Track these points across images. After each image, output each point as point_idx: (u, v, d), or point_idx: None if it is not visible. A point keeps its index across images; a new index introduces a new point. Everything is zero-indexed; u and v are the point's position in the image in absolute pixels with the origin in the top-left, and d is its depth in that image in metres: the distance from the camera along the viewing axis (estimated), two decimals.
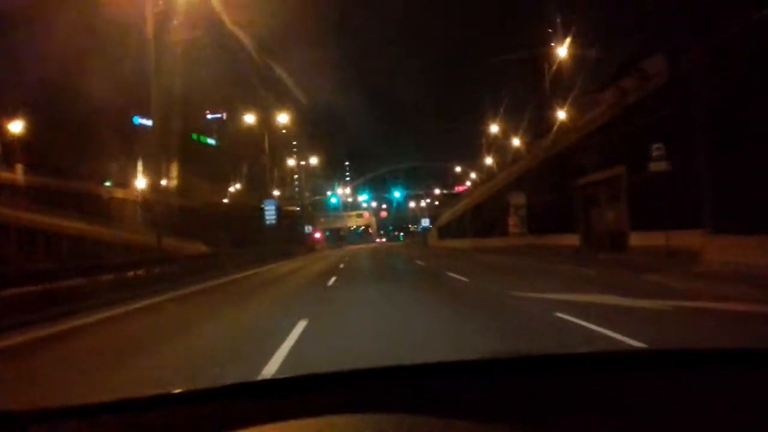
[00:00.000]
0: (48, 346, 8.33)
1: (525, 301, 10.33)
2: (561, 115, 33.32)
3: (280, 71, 78.65)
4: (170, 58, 46.43)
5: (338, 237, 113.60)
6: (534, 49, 45.62)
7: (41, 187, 41.84)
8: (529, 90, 49.29)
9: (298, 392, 1.57)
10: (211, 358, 6.63)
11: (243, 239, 50.33)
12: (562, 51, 39.15)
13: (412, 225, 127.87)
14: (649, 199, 21.02)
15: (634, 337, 6.24)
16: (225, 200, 71.74)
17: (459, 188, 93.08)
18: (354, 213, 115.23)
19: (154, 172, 48.29)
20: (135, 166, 55.23)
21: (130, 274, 17.57)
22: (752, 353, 1.72)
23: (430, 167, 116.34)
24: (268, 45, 77.11)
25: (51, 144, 44.41)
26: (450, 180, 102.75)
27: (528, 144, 45.53)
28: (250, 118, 70.32)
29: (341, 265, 28.39)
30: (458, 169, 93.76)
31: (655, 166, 18.05)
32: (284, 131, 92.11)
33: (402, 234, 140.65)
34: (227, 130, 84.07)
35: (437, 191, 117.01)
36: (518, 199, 39.05)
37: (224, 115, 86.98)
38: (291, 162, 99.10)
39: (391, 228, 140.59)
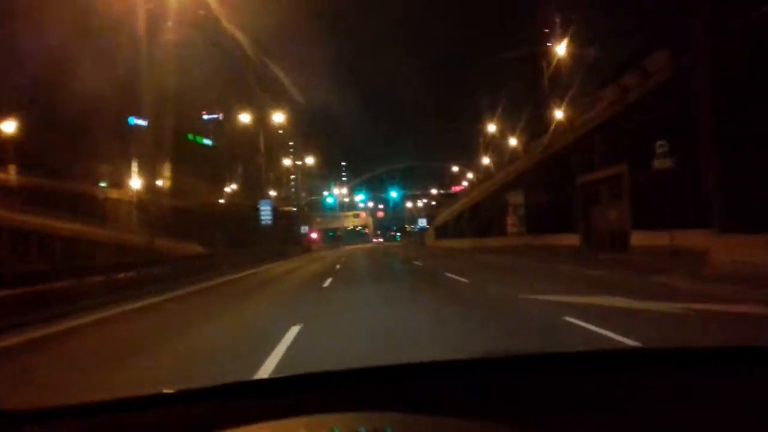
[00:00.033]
0: (43, 347, 8.37)
1: (530, 304, 9.93)
2: (560, 113, 32.98)
3: (276, 71, 78.54)
4: (164, 57, 46.22)
5: (335, 237, 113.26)
6: (533, 48, 45.44)
7: (35, 187, 41.42)
8: (527, 89, 49.15)
9: (290, 392, 1.57)
10: (200, 364, 6.44)
11: (239, 240, 50.21)
12: (561, 50, 38.96)
13: (409, 225, 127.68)
14: (651, 198, 20.71)
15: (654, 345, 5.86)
16: (221, 201, 71.48)
17: (456, 188, 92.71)
18: (351, 213, 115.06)
19: (149, 172, 48.06)
20: (130, 167, 54.89)
21: (122, 275, 17.18)
22: (749, 351, 1.72)
23: (427, 167, 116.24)
24: (264, 44, 77.00)
25: (45, 144, 43.94)
26: (447, 180, 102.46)
27: (525, 144, 45.22)
28: (246, 119, 70.12)
29: (337, 266, 28.06)
30: (455, 168, 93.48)
31: (658, 164, 17.71)
32: (281, 131, 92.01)
33: (399, 234, 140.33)
34: (223, 130, 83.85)
35: (434, 191, 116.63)
36: (517, 198, 38.65)
37: (221, 116, 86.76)
38: (287, 162, 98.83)
39: (389, 228, 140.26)
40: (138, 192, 51.05)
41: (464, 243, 52.68)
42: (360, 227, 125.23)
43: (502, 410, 1.40)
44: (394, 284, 16.79)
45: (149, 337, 8.71)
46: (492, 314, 9.04)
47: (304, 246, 68.86)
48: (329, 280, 18.37)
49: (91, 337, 9.38)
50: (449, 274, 17.75)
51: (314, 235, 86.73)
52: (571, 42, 37.34)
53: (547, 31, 46.33)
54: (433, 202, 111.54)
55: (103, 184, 52.65)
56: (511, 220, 39.39)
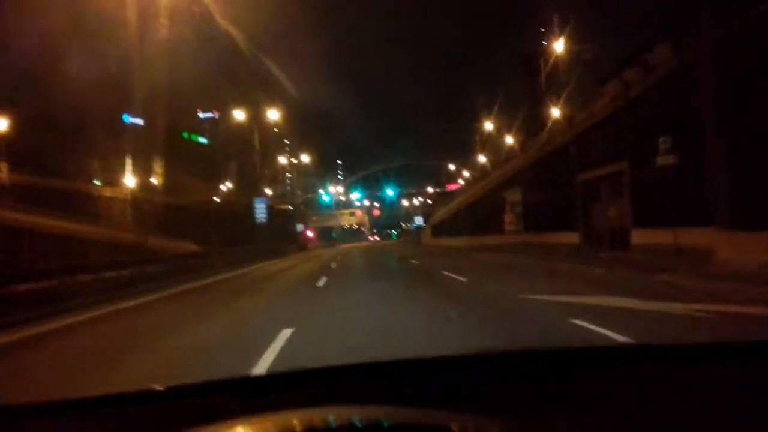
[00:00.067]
0: (36, 345, 8.49)
1: (533, 305, 9.50)
2: (559, 111, 32.66)
3: (272, 68, 78.22)
4: (159, 55, 45.87)
5: (331, 236, 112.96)
6: (532, 46, 45.21)
7: (27, 185, 40.97)
8: (526, 88, 48.91)
9: (281, 388, 1.56)
10: (190, 363, 6.26)
11: (234, 238, 50.00)
12: (560, 48, 38.68)
13: (405, 223, 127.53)
14: (652, 196, 20.34)
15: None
16: (216, 199, 71.14)
17: (451, 186, 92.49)
18: (347, 211, 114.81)
19: (143, 170, 47.72)
20: (124, 165, 54.55)
21: (113, 274, 16.79)
22: (744, 347, 1.73)
23: (423, 165, 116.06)
24: (260, 42, 76.67)
25: (38, 142, 43.53)
26: (443, 178, 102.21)
27: (523, 141, 44.91)
28: (242, 117, 69.88)
29: (333, 265, 27.72)
30: (452, 167, 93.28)
31: (662, 160, 17.33)
32: (276, 130, 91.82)
33: (395, 232, 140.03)
34: (219, 128, 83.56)
35: (430, 189, 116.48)
36: (514, 195, 38.22)
37: (216, 115, 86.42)
38: (283, 160, 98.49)
39: (385, 226, 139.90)
40: (131, 190, 50.72)
41: (461, 241, 52.28)
42: (356, 226, 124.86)
43: (494, 405, 1.39)
44: (390, 283, 16.36)
45: (136, 338, 8.35)
46: (491, 314, 8.65)
47: (299, 244, 68.69)
48: (324, 279, 17.95)
49: (73, 338, 9.10)
50: (447, 273, 17.33)
51: (310, 234, 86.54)
52: (570, 40, 37.09)
53: (543, 30, 46.04)
54: (430, 201, 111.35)
55: (97, 182, 52.31)
56: (508, 218, 38.96)
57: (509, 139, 49.78)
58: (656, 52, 20.22)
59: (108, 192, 50.91)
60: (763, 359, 1.63)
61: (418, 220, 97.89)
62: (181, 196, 54.79)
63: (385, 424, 1.24)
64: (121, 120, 58.56)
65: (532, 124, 42.28)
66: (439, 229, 72.93)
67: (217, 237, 47.52)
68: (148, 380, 4.98)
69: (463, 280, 15.15)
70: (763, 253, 11.86)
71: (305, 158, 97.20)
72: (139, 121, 61.74)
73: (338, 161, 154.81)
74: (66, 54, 40.86)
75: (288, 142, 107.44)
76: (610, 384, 1.52)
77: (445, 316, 8.71)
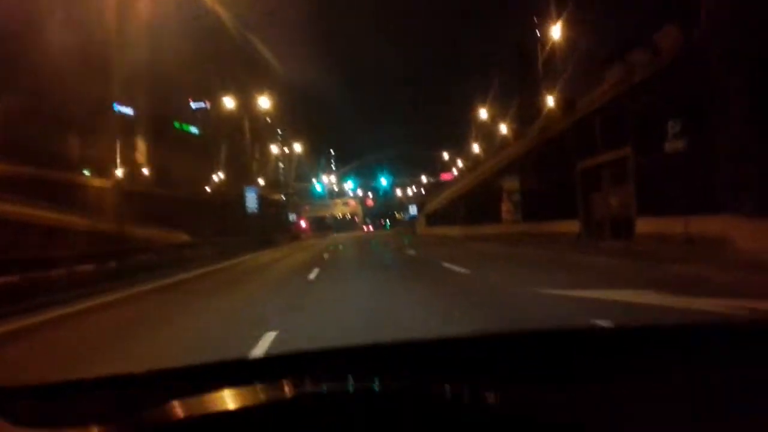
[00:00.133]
0: (23, 337, 8.55)
1: (545, 300, 8.49)
2: (559, 96, 31.77)
3: (266, 56, 77.27)
4: (150, 44, 44.93)
5: (324, 225, 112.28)
6: (531, 30, 44.33)
7: (13, 175, 39.94)
8: (524, 73, 48.06)
9: (268, 371, 1.57)
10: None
11: (226, 228, 49.36)
12: (557, 31, 37.79)
13: (399, 213, 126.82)
14: (658, 183, 19.46)
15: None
16: (208, 189, 70.35)
17: (445, 176, 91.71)
18: (340, 201, 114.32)
19: (133, 160, 46.80)
20: (114, 155, 53.66)
21: (89, 268, 15.90)
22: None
23: (417, 155, 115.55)
24: (254, 29, 75.63)
25: (22, 131, 42.53)
26: (438, 166, 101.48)
27: (521, 128, 44.02)
28: (233, 105, 69.07)
29: (325, 255, 26.92)
30: (446, 155, 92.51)
31: (670, 146, 16.48)
32: (269, 120, 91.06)
33: (389, 222, 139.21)
34: (211, 118, 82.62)
35: (424, 179, 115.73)
36: (512, 184, 37.28)
37: (208, 105, 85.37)
38: (276, 150, 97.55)
39: (379, 216, 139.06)
40: (120, 180, 49.90)
41: (456, 231, 51.39)
42: (350, 215, 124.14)
43: (491, 377, 1.40)
44: (386, 276, 15.42)
45: (90, 351, 7.35)
46: (502, 313, 7.63)
47: (292, 234, 68.26)
48: (316, 270, 17.03)
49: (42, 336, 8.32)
50: (446, 264, 16.40)
51: (303, 224, 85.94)
52: (570, 24, 36.19)
53: (536, 21, 45.22)
54: (423, 191, 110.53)
55: (86, 173, 51.39)
56: (506, 207, 38.06)
57: (507, 126, 48.97)
58: (663, 33, 19.29)
59: (96, 182, 50.00)
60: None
61: (412, 210, 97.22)
62: (172, 186, 54.03)
63: (377, 389, 1.31)
64: (111, 109, 57.58)
65: (532, 110, 41.36)
66: (434, 219, 72.01)
67: (209, 227, 46.82)
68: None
69: (466, 272, 14.24)
70: None
71: (298, 148, 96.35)
72: (129, 111, 60.90)
73: (331, 151, 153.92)
74: (52, 40, 39.70)
75: (280, 132, 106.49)
76: (603, 361, 1.50)
77: (450, 316, 7.79)
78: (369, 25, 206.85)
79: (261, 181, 77.62)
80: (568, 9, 35.69)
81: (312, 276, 15.44)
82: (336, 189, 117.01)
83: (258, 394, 1.32)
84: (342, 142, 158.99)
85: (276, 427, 1.19)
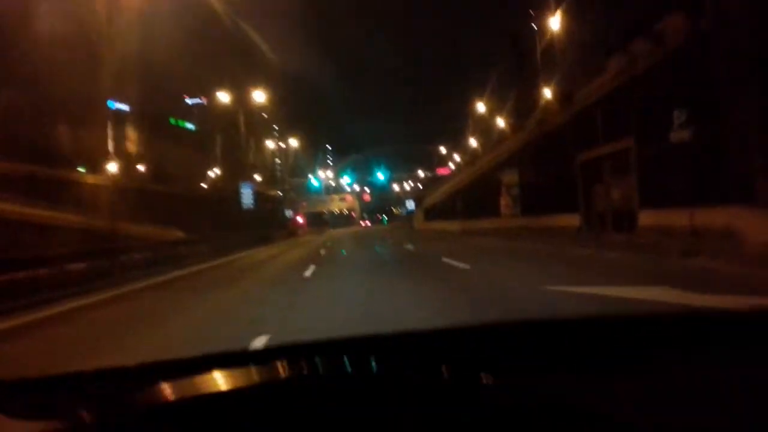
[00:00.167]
0: (18, 335, 8.55)
1: (558, 298, 7.98)
2: (558, 87, 31.35)
3: (262, 49, 76.81)
4: (146, 39, 44.42)
5: (321, 221, 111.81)
6: (529, 21, 43.78)
7: (6, 172, 39.51)
8: (523, 66, 47.51)
9: (262, 361, 1.53)
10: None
11: (222, 224, 48.95)
12: (556, 21, 37.35)
13: (396, 208, 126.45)
14: (661, 175, 19.08)
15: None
16: (204, 186, 69.97)
17: (442, 171, 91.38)
18: (337, 196, 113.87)
19: (128, 157, 46.30)
20: (108, 151, 53.24)
21: (81, 266, 15.50)
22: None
23: (414, 150, 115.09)
24: (252, 22, 75.16)
25: (18, 127, 42.12)
26: (435, 161, 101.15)
27: (519, 120, 43.59)
28: (228, 101, 68.74)
29: (322, 251, 26.55)
30: (443, 150, 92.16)
31: (675, 136, 16.07)
32: (265, 115, 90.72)
33: (386, 217, 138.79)
34: (207, 114, 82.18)
35: (421, 173, 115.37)
36: (511, 177, 36.87)
37: (204, 101, 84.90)
38: (272, 146, 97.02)
39: (376, 211, 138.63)
40: (115, 176, 49.47)
41: (455, 225, 51.00)
42: (347, 211, 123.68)
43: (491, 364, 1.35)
44: (385, 272, 15.07)
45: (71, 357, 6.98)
46: (514, 314, 7.18)
47: (289, 230, 67.99)
48: (312, 267, 16.64)
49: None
50: (447, 260, 16.02)
51: (300, 219, 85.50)
52: (568, 15, 35.76)
53: (532, 13, 44.73)
54: (421, 185, 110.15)
55: (81, 169, 50.99)
56: (504, 201, 37.68)
57: (504, 119, 48.54)
58: (667, 22, 18.89)
59: (90, 179, 49.59)
60: None
61: (410, 205, 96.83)
62: (168, 183, 53.61)
63: (375, 370, 1.29)
64: (106, 105, 57.12)
65: (530, 102, 40.92)
66: (432, 213, 71.64)
67: (205, 224, 46.45)
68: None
69: (465, 267, 13.86)
70: None
71: (294, 143, 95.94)
72: (125, 107, 60.42)
73: (327, 146, 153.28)
74: (48, 35, 39.22)
75: (277, 128, 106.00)
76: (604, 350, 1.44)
77: (450, 314, 7.37)
78: (367, 21, 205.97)
79: (257, 177, 77.18)
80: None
81: (308, 273, 15.06)
82: (333, 184, 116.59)
83: (253, 376, 1.32)
84: (338, 137, 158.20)
85: (271, 409, 1.17)
